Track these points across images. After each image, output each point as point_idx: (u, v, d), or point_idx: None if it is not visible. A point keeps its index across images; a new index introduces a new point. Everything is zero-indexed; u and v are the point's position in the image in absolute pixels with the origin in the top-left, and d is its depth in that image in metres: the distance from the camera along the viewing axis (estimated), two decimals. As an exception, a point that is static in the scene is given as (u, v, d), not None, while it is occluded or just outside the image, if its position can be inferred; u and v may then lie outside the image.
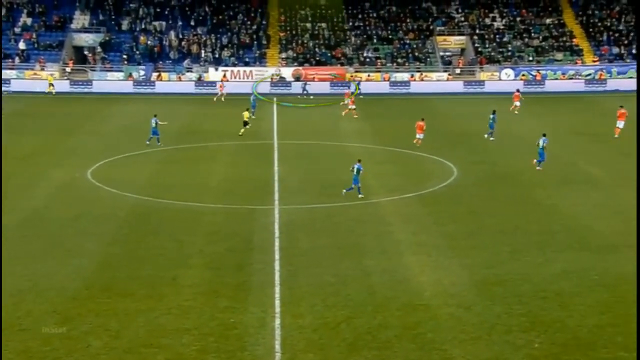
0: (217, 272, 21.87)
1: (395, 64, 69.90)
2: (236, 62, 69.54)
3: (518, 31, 73.31)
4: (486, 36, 72.79)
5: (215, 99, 58.89)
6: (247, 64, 69.22)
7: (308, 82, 64.28)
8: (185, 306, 19.44)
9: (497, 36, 72.87)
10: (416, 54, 70.97)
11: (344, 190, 30.16)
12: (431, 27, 73.56)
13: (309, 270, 22.10)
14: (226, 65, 68.81)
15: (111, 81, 66.65)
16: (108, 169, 35.27)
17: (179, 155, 39.24)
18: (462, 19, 74.82)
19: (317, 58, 70.45)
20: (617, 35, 72.00)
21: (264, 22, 74.28)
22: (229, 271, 22.03)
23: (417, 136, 40.31)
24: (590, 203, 29.11)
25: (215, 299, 19.89)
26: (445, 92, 64.12)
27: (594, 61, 69.16)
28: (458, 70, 69.50)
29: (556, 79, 66.79)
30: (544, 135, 35.48)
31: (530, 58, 70.10)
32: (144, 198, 30.11)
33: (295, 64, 69.61)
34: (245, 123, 43.59)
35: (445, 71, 69.08)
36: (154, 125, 40.24)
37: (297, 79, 67.00)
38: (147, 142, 40.44)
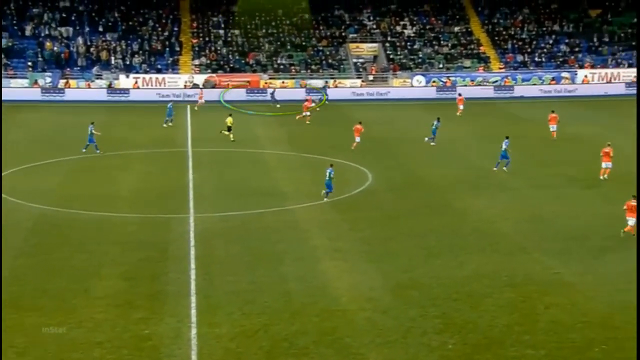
0: (131, 283, 21.45)
1: (309, 71, 70.36)
2: (148, 69, 68.42)
3: (428, 39, 75.07)
4: (398, 43, 74.21)
5: (196, 107, 58.38)
6: (159, 71, 68.18)
7: (274, 90, 64.21)
8: (98, 319, 18.97)
9: (408, 43, 74.41)
10: (330, 60, 71.65)
11: (325, 195, 30.78)
12: (344, 34, 74.44)
13: (225, 279, 21.96)
14: (137, 72, 67.59)
15: (15, 88, 64.11)
16: (14, 180, 34.03)
17: (90, 164, 38.27)
18: (374, 26, 76.05)
19: (231, 65, 70.15)
20: (520, 43, 74.72)
21: (175, 29, 73.36)
22: (144, 281, 21.63)
23: (356, 139, 41.05)
24: (499, 206, 30.05)
25: (129, 311, 19.49)
26: (359, 99, 64.96)
27: (500, 68, 71.55)
28: (371, 77, 70.55)
29: (465, 85, 68.71)
30: (507, 137, 36.36)
31: (441, 65, 71.88)
32: (52, 209, 29.21)
33: (209, 71, 69.08)
34: (229, 128, 44.15)
35: (358, 78, 70.00)
36: (90, 132, 39.86)
37: (213, 86, 66.51)
38: (84, 150, 39.88)
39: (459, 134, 47.04)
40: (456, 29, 76.02)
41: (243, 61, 70.91)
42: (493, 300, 20.25)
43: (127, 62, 69.01)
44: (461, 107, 55.08)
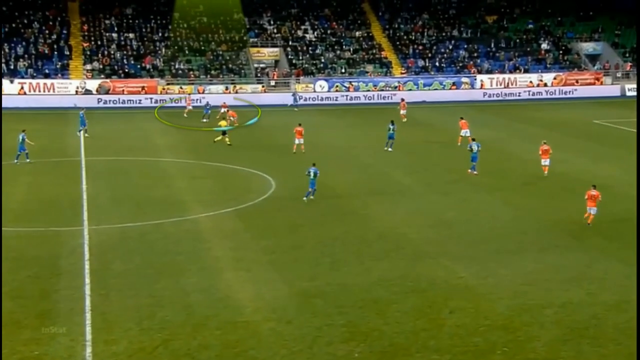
0: (19, 302, 20.59)
1: (209, 76, 69.80)
2: (34, 74, 66.09)
3: (330, 43, 75.91)
4: (299, 48, 74.68)
5: (185, 113, 57.32)
6: (47, 76, 65.99)
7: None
8: (-17, 341, 18.10)
9: (310, 48, 75.01)
10: (230, 65, 71.31)
11: (305, 198, 31.24)
12: (244, 39, 74.28)
13: (123, 293, 21.42)
14: (22, 78, 65.15)
15: None
16: None
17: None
18: (275, 30, 76.27)
19: (126, 70, 68.69)
20: (421, 48, 76.69)
21: (64, 32, 71.21)
22: (33, 300, 20.81)
23: (296, 141, 41.50)
24: (403, 212, 30.65)
25: (18, 331, 18.70)
26: (261, 105, 64.88)
27: (402, 73, 73.19)
28: (273, 82, 70.68)
29: (368, 90, 69.85)
30: (473, 139, 37.43)
31: (343, 70, 72.82)
32: None
33: (102, 76, 67.43)
34: (224, 133, 44.73)
35: (259, 83, 69.98)
36: (20, 140, 38.79)
37: (106, 91, 64.98)
38: (15, 161, 38.44)
39: (361, 140, 47.73)
40: (357, 33, 77.25)
41: (139, 66, 69.60)
42: (399, 307, 20.60)
43: (11, 67, 66.43)
44: (403, 112, 55.28)
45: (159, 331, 18.92)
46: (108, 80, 66.64)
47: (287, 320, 19.68)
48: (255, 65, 72.67)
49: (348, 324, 19.45)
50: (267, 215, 30.28)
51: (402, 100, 57.89)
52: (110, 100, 64.43)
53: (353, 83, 70.08)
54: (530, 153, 40.12)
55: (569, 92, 72.54)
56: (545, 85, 73.25)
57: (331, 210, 30.90)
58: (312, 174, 31.47)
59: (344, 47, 75.63)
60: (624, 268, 23.52)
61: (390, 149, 43.33)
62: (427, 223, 29.04)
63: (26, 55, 67.64)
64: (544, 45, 78.38)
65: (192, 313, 20.13)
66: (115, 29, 72.98)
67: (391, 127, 43.69)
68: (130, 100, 64.85)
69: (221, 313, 20.12)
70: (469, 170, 36.95)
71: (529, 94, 71.92)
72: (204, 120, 54.81)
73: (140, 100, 64.83)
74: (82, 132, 47.76)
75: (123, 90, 65.76)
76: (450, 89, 71.43)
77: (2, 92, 61.50)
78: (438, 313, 20.19)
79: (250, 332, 18.97)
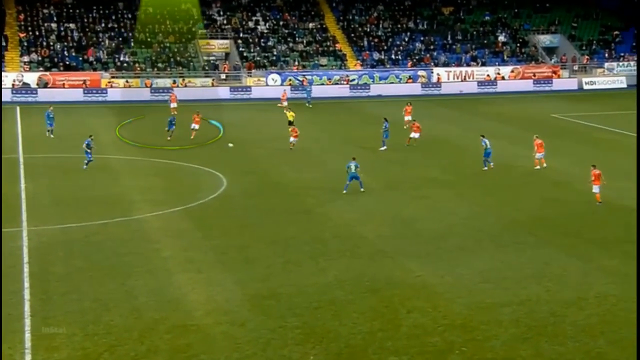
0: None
1: (155, 69, 69.13)
2: (-32, 67, 64.76)
3: (282, 35, 75.86)
4: (250, 40, 74.46)
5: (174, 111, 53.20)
6: (-19, 68, 64.68)
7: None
8: None
9: (262, 40, 74.85)
10: (178, 58, 70.74)
11: (344, 190, 32.65)
12: (193, 30, 73.74)
13: (66, 297, 21.15)
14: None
15: None
16: None
17: None
18: (225, 22, 75.88)
19: (67, 62, 67.64)
20: (376, 40, 77.15)
21: (-1, 21, 69.79)
22: (-30, 305, 20.41)
23: (292, 140, 42.12)
24: (359, 210, 30.84)
25: (-47, 339, 18.33)
26: (211, 99, 64.57)
27: (359, 65, 73.44)
28: (223, 76, 70.33)
29: (322, 84, 69.98)
30: (483, 136, 38.05)
31: (296, 63, 72.81)
32: None
33: (41, 68, 66.26)
34: (290, 123, 45.14)
35: (208, 76, 69.55)
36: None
37: (45, 85, 63.89)
38: None
39: (314, 135, 47.84)
40: (311, 25, 77.33)
41: (80, 58, 68.59)
42: (355, 307, 20.75)
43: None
44: (408, 118, 49.41)
45: (105, 336, 18.74)
46: (47, 73, 65.51)
47: (239, 323, 19.67)
48: (205, 57, 72.19)
49: (303, 326, 19.53)
50: (217, 213, 30.19)
51: (409, 104, 51.40)
52: (49, 94, 63.31)
53: (307, 76, 70.09)
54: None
55: (526, 85, 73.75)
56: (503, 78, 74.37)
57: (285, 208, 30.95)
58: (352, 167, 32.84)
59: (297, 39, 75.66)
60: (583, 265, 24.08)
61: (384, 148, 42.29)
62: (383, 221, 29.28)
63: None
64: (501, 38, 79.57)
65: (140, 317, 19.98)
66: (55, 18, 71.75)
67: (385, 125, 42.71)
68: (71, 94, 63.80)
69: (171, 316, 20.01)
70: (488, 166, 37.54)
71: (485, 87, 72.92)
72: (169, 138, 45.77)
73: (81, 94, 63.83)
74: (49, 132, 45.49)
75: (64, 84, 64.73)
76: (406, 82, 71.98)
77: None
78: (395, 313, 20.40)
79: (202, 336, 18.92)
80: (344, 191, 32.82)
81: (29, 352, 17.85)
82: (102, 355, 17.81)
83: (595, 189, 30.61)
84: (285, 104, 56.87)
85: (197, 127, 45.74)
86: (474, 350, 18.23)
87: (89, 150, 37.09)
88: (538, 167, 37.72)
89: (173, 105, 55.12)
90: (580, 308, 20.66)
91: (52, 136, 44.87)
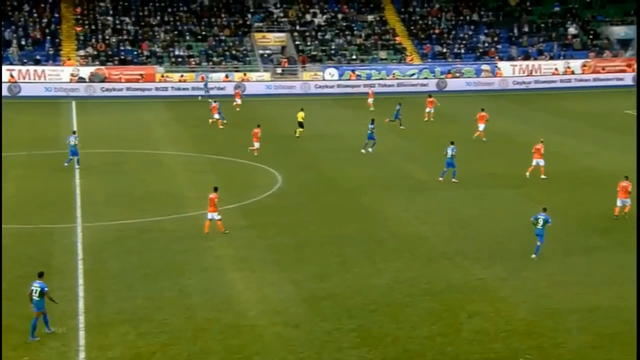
0: (9, 304, 20.70)
1: (210, 63, 69.79)
2: (25, 61, 66.28)
3: (340, 28, 75.76)
4: (307, 33, 74.57)
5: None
6: (37, 63, 66.17)
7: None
8: (-29, 345, 18.23)
9: (319, 33, 74.89)
10: (233, 52, 71.30)
11: (440, 177, 34.17)
12: (248, 23, 74.24)
13: (119, 295, 21.52)
14: (12, 64, 65.35)
15: None
16: None
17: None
18: (281, 14, 76.18)
19: (122, 56, 68.82)
20: (438, 33, 76.45)
21: (56, 15, 71.33)
22: (23, 302, 20.88)
23: (255, 145, 39.83)
24: (416, 208, 30.62)
25: (7, 335, 18.83)
26: (270, 94, 64.83)
27: (419, 59, 72.84)
28: (279, 70, 70.55)
29: (381, 78, 69.63)
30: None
31: (354, 56, 72.59)
32: None
33: (97, 62, 67.54)
34: (300, 124, 45.05)
35: (266, 71, 69.87)
36: (72, 143, 36.49)
37: (102, 79, 65.10)
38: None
39: (376, 132, 47.55)
40: (370, 17, 77.04)
41: (136, 52, 69.70)
42: (413, 310, 20.61)
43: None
44: (428, 109, 51.70)
45: (157, 335, 18.99)
46: (103, 67, 66.76)
47: (293, 324, 19.72)
48: (260, 51, 72.55)
49: (359, 329, 19.48)
50: (272, 211, 30.33)
51: (430, 96, 53.20)
52: (105, 89, 64.49)
53: (365, 71, 69.79)
54: (555, 146, 39.95)
55: (598, 80, 72.17)
56: (573, 72, 72.91)
57: (340, 206, 30.92)
58: (449, 153, 33.92)
59: (355, 32, 75.48)
60: (656, 270, 23.43)
61: (369, 150, 40.72)
62: (443, 220, 29.02)
63: (15, 41, 67.83)
64: (571, 30, 77.98)
65: (193, 316, 20.20)
66: (111, 12, 73.02)
67: (370, 126, 41.74)
68: (128, 89, 64.87)
69: (223, 316, 20.18)
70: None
71: (555, 82, 71.60)
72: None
73: (138, 88, 64.86)
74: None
75: (120, 78, 65.85)
76: (470, 77, 71.12)
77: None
78: (455, 317, 20.18)
79: (255, 337, 19.03)
80: (440, 178, 34.11)
81: (83, 349, 18.21)
82: (154, 355, 18.06)
83: (619, 202, 28.68)
84: (370, 101, 56.49)
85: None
86: (539, 359, 17.92)
87: (74, 147, 36.30)
88: (528, 174, 35.07)
89: (237, 101, 55.41)
90: (654, 316, 20.13)
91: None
